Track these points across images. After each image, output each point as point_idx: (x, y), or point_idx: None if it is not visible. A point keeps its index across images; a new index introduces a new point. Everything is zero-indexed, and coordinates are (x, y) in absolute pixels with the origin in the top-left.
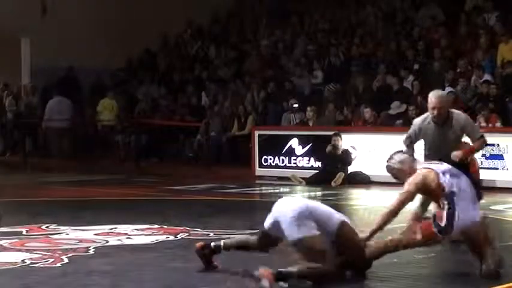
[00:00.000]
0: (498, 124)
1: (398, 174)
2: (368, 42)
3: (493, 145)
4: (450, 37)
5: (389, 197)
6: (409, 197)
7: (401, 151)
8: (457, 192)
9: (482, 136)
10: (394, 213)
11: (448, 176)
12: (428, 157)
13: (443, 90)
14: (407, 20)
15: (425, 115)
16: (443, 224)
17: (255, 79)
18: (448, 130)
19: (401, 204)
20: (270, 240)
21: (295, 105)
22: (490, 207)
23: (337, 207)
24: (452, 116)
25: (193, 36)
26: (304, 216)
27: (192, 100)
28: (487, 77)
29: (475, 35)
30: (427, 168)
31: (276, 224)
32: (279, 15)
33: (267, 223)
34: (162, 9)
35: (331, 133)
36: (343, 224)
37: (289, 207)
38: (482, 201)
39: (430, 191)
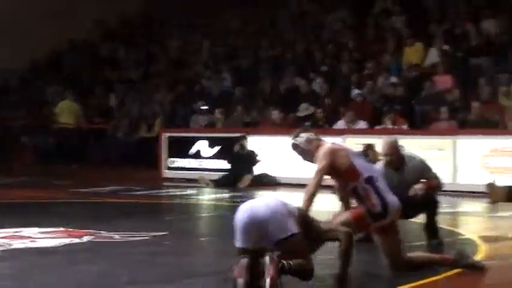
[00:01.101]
0: (404, 126)
1: (304, 154)
2: (277, 44)
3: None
4: (358, 40)
5: (295, 199)
6: (322, 171)
7: (307, 129)
8: (375, 177)
9: (438, 177)
10: (311, 195)
11: (361, 160)
12: None
13: (351, 92)
14: (316, 22)
15: (381, 162)
16: (376, 209)
17: (164, 81)
18: (403, 174)
19: (317, 185)
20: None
21: (204, 107)
22: None
23: None
24: (406, 161)
25: (102, 36)
26: (286, 212)
27: (101, 102)
28: (393, 79)
29: (383, 38)
30: (336, 144)
31: (263, 227)
32: (188, 16)
33: (250, 240)
34: (69, 8)
35: (239, 135)
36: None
37: (267, 207)
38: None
39: (344, 171)
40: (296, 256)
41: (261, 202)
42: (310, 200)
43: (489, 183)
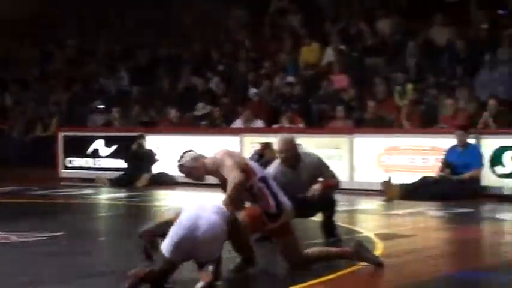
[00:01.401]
0: (301, 125)
1: (192, 172)
2: (174, 43)
3: (299, 145)
4: (255, 39)
5: (194, 198)
6: (235, 165)
7: (192, 150)
8: (268, 178)
9: (335, 176)
10: (233, 201)
11: (253, 162)
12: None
13: (248, 91)
14: (214, 21)
15: (278, 161)
16: (272, 209)
17: (60, 80)
18: (299, 173)
19: (237, 188)
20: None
21: (101, 106)
22: None
23: (142, 208)
24: (303, 159)
25: None
26: (221, 230)
27: None
28: (290, 78)
29: (279, 37)
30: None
31: (196, 247)
32: (85, 15)
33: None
34: None
35: (136, 134)
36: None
37: (209, 225)
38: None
39: (244, 168)
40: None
41: (205, 216)
42: (237, 199)
43: (385, 181)
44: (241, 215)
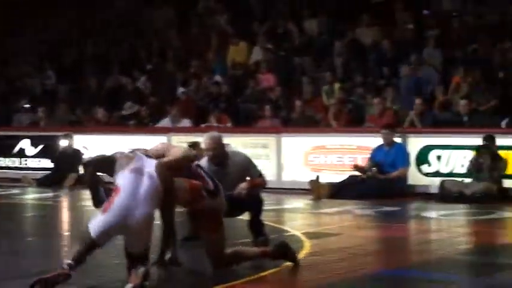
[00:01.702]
0: (229, 124)
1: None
2: (101, 41)
3: (227, 145)
4: (182, 38)
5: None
6: (180, 151)
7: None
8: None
9: (262, 175)
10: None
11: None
12: None
13: (177, 90)
14: (140, 20)
15: (205, 158)
16: (210, 186)
17: None
18: (227, 171)
19: (183, 158)
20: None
21: (26, 106)
22: None
23: (69, 208)
24: (230, 157)
25: None
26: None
27: None
28: (218, 77)
29: (207, 36)
30: None
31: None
32: (12, 14)
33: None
34: None
35: (63, 133)
36: None
37: (143, 210)
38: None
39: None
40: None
41: (139, 206)
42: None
43: (312, 180)
44: (183, 183)
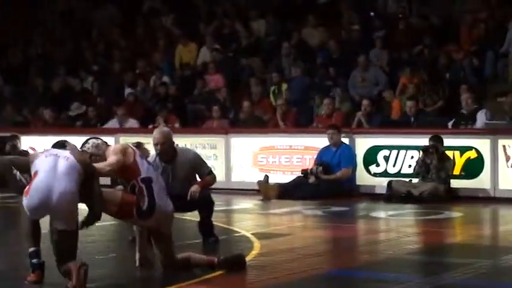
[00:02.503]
0: (177, 125)
1: (93, 160)
2: (46, 42)
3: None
4: (128, 38)
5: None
6: (113, 166)
7: (97, 137)
8: (154, 179)
9: (211, 172)
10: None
11: (144, 161)
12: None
13: (124, 91)
14: (85, 20)
15: (154, 154)
16: (144, 207)
17: None
18: (175, 167)
19: (103, 171)
20: None
21: None
22: None
23: (17, 210)
24: (179, 154)
25: None
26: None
27: None
28: (165, 78)
29: (153, 37)
30: (126, 144)
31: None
32: None
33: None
34: None
35: (9, 135)
36: None
37: (63, 190)
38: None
39: (128, 167)
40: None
41: (57, 186)
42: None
43: (261, 181)
44: (117, 193)
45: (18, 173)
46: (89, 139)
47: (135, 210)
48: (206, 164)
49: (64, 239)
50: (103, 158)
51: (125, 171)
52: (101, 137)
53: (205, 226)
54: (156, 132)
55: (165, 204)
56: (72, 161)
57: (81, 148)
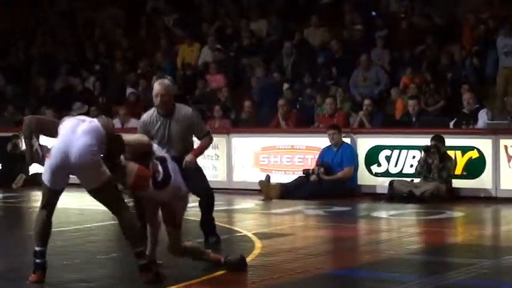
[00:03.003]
0: None
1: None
2: (48, 42)
3: None
4: (131, 39)
5: (73, 199)
6: (143, 140)
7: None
8: (168, 160)
9: (209, 133)
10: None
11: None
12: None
13: (126, 91)
14: (87, 20)
15: (152, 109)
16: (160, 177)
17: None
18: (173, 122)
19: (138, 144)
20: None
21: None
22: None
23: (19, 209)
24: (177, 108)
25: None
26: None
27: None
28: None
29: (156, 37)
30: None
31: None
32: None
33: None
34: None
35: (11, 134)
36: None
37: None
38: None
39: (144, 148)
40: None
41: (75, 142)
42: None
43: (262, 181)
44: (134, 166)
45: (36, 143)
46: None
47: (151, 181)
48: (203, 123)
49: (104, 197)
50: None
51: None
52: None
53: (207, 225)
54: (157, 83)
55: (179, 182)
56: (95, 125)
57: (99, 119)
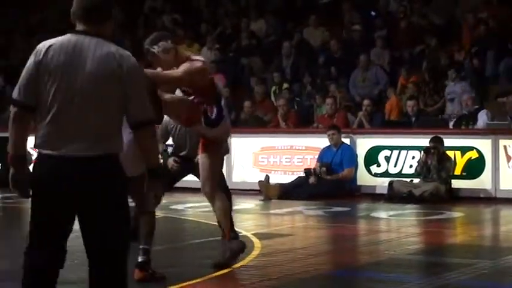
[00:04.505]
0: None
1: (159, 63)
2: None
3: None
4: (129, 38)
5: None
6: (185, 79)
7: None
8: (222, 95)
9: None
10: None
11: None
12: None
13: None
14: None
15: None
16: (213, 116)
17: None
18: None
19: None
20: None
21: None
22: (171, 207)
23: (19, 209)
24: None
25: None
26: None
27: None
28: None
29: None
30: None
31: None
32: None
33: None
34: None
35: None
36: None
37: None
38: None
39: (204, 85)
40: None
41: None
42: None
43: (262, 181)
44: (186, 100)
45: None
46: (158, 38)
47: (203, 117)
48: None
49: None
50: (170, 64)
51: (197, 84)
52: None
53: None
54: None
55: (228, 122)
56: None
57: (149, 45)
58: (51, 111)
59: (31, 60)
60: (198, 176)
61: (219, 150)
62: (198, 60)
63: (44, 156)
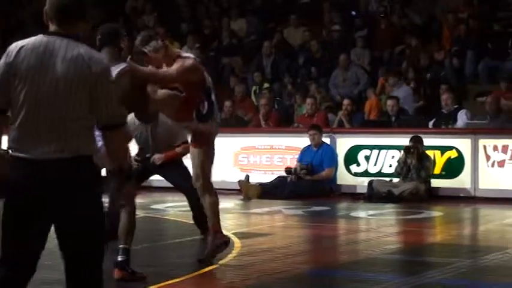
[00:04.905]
0: None
1: (150, 62)
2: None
3: None
4: None
5: None
6: (180, 77)
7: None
8: (212, 89)
9: (187, 142)
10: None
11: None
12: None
13: None
14: None
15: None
16: (204, 111)
17: None
18: (157, 128)
19: (167, 76)
20: None
21: None
22: (151, 207)
23: None
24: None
25: None
26: None
27: None
28: None
29: (135, 37)
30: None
31: None
32: None
33: None
34: None
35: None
36: None
37: None
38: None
39: (194, 81)
40: None
41: None
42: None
43: (242, 180)
44: (177, 96)
45: None
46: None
47: (195, 113)
48: (186, 134)
49: None
50: (160, 62)
51: (189, 82)
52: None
53: (200, 218)
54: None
55: (218, 116)
56: None
57: (139, 45)
58: (21, 113)
59: (2, 62)
60: (165, 177)
61: (211, 145)
62: (189, 57)
63: (15, 159)
